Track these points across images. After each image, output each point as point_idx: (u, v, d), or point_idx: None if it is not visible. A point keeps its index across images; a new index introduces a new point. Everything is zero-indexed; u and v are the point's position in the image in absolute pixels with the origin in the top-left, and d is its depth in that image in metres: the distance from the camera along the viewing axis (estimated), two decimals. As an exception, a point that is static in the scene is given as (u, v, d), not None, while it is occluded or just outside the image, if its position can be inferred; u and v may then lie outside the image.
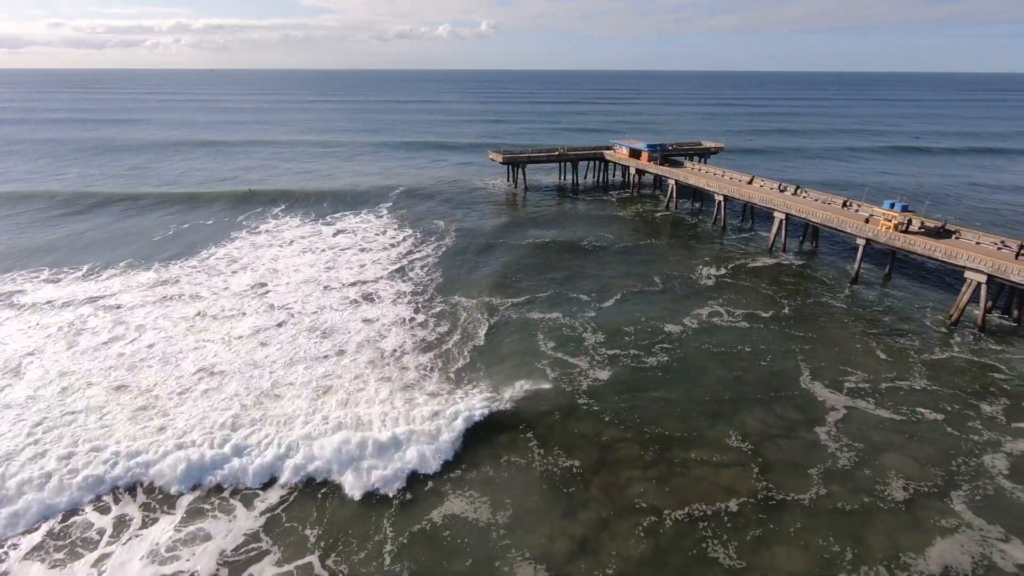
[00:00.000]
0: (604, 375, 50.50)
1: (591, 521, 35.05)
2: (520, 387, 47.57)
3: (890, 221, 73.58)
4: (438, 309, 63.79)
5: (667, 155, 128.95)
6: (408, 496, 36.83)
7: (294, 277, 72.65)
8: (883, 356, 54.07)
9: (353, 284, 70.70)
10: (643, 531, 34.36)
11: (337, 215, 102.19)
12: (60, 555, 32.81)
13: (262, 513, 35.45)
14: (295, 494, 37.06)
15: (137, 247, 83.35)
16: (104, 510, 35.90)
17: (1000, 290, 64.61)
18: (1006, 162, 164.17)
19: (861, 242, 74.43)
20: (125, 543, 33.40)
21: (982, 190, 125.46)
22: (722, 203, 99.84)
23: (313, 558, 32.36)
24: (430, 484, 37.76)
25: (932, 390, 48.84)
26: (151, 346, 55.01)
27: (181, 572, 31.65)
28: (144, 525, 34.68)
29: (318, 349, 54.47)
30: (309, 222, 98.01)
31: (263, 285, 70.18)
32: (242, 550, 32.92)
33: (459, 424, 42.24)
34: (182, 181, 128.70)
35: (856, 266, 75.48)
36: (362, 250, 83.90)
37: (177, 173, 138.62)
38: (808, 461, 40.13)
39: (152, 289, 68.18)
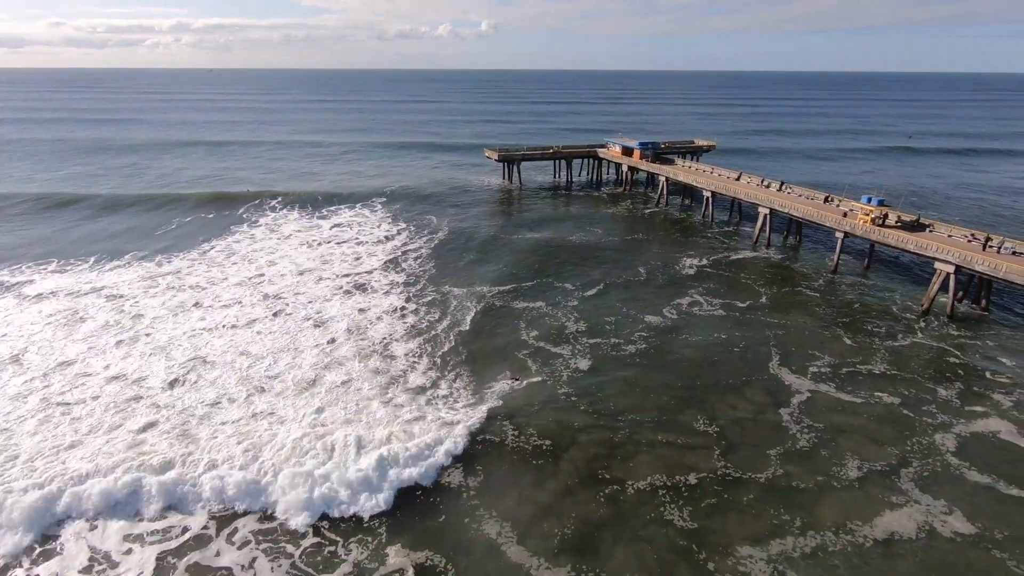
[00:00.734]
0: (584, 364, 52.71)
1: (556, 489, 37.43)
2: (500, 379, 49.75)
3: (867, 215, 76.18)
4: (429, 298, 66.38)
5: (659, 153, 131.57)
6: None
7: (290, 269, 75.18)
8: (850, 343, 56.56)
9: (347, 275, 73.22)
10: (604, 498, 36.77)
11: (334, 211, 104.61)
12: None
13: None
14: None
15: (141, 241, 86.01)
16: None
17: (970, 280, 67.06)
18: (994, 162, 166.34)
19: (840, 235, 77.05)
20: None
21: (971, 190, 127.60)
22: (710, 199, 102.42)
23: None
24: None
25: (892, 375, 51.23)
26: (148, 335, 57.33)
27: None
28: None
29: (310, 338, 56.84)
30: (306, 217, 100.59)
31: (260, 276, 72.72)
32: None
33: (440, 456, 39.73)
34: (182, 181, 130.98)
35: (835, 258, 78.05)
36: (358, 243, 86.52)
37: (178, 173, 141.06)
38: (769, 442, 42.29)
39: (154, 280, 70.66)
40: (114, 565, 32.27)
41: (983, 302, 65.85)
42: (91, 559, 32.64)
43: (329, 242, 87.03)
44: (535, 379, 50.14)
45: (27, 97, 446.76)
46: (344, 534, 34.16)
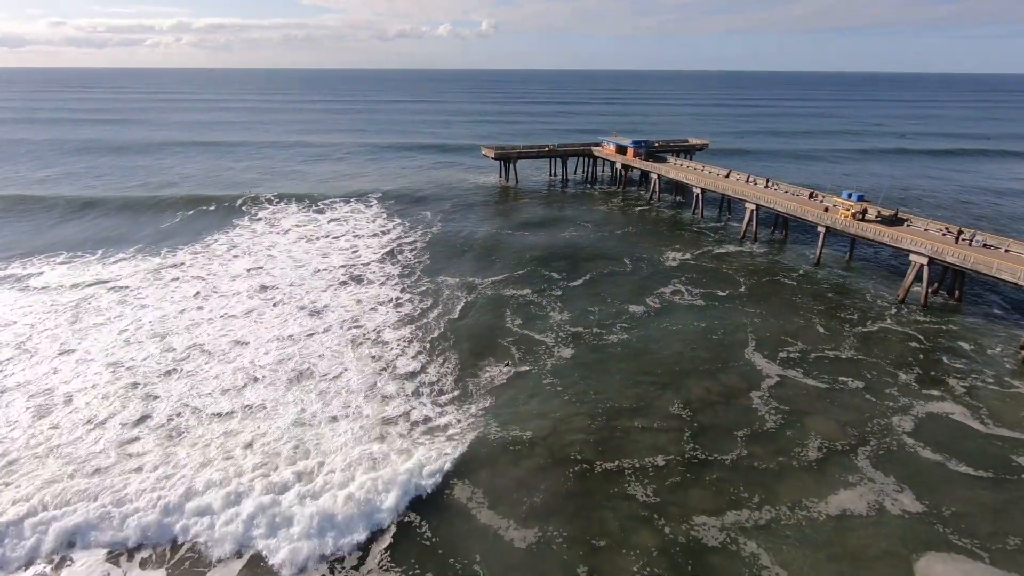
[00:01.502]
0: (567, 352, 54.94)
1: (530, 467, 39.58)
2: (486, 366, 52.08)
3: (848, 210, 78.64)
4: (423, 288, 68.96)
5: (652, 151, 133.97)
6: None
7: (288, 262, 77.68)
8: (823, 330, 59.00)
9: (344, 267, 75.76)
10: (573, 475, 38.94)
11: (332, 208, 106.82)
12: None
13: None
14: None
15: (145, 234, 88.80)
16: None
17: (945, 272, 69.49)
18: (981, 162, 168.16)
19: (821, 229, 79.56)
20: None
21: (959, 189, 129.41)
22: (699, 195, 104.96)
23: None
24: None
25: (858, 360, 53.62)
26: (150, 323, 59.79)
27: None
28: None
29: (305, 326, 59.32)
30: (304, 212, 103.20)
31: (259, 268, 75.23)
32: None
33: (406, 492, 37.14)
34: (184, 180, 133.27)
35: (818, 251, 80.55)
36: (355, 237, 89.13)
37: (180, 172, 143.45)
38: (737, 425, 44.38)
39: (158, 272, 73.23)
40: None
41: (957, 293, 68.29)
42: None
43: (327, 236, 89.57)
44: (520, 368, 52.37)
45: (32, 97, 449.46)
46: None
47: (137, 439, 41.95)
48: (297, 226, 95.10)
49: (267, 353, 54.08)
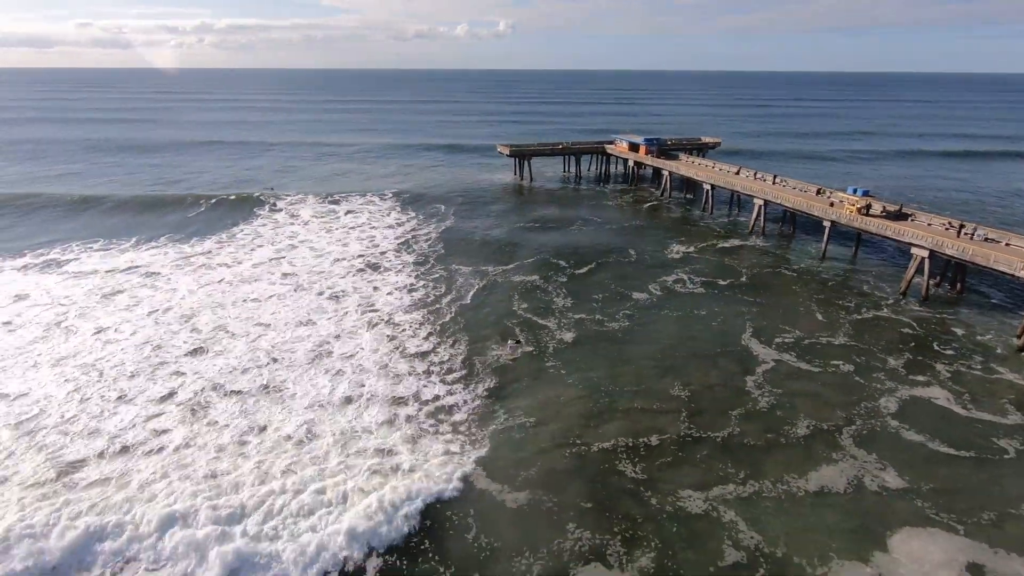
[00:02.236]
0: (569, 336, 57.46)
1: (532, 449, 41.40)
2: (494, 348, 54.75)
3: (853, 205, 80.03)
4: (436, 276, 72.28)
5: (664, 149, 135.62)
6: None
7: (308, 251, 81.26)
8: (821, 318, 60.86)
9: (361, 256, 79.11)
10: (569, 454, 40.94)
11: (349, 203, 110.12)
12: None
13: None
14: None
15: (174, 226, 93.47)
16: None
17: (947, 265, 70.68)
18: (1000, 163, 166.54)
19: (827, 224, 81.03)
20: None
21: (972, 191, 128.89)
22: (709, 192, 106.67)
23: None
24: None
25: (851, 346, 55.48)
26: (179, 305, 63.59)
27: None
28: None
29: (325, 310, 62.61)
30: (322, 205, 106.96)
31: (281, 257, 78.87)
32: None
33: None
34: (210, 178, 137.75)
35: (823, 245, 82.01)
36: (372, 228, 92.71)
37: (204, 170, 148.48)
38: (731, 405, 46.39)
39: (188, 259, 77.31)
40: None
41: (958, 286, 69.50)
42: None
43: (343, 228, 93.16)
44: (526, 349, 55.07)
45: (63, 97, 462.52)
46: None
47: (161, 414, 44.54)
48: (315, 217, 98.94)
49: (287, 334, 57.42)
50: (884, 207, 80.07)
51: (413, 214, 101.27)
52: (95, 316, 60.67)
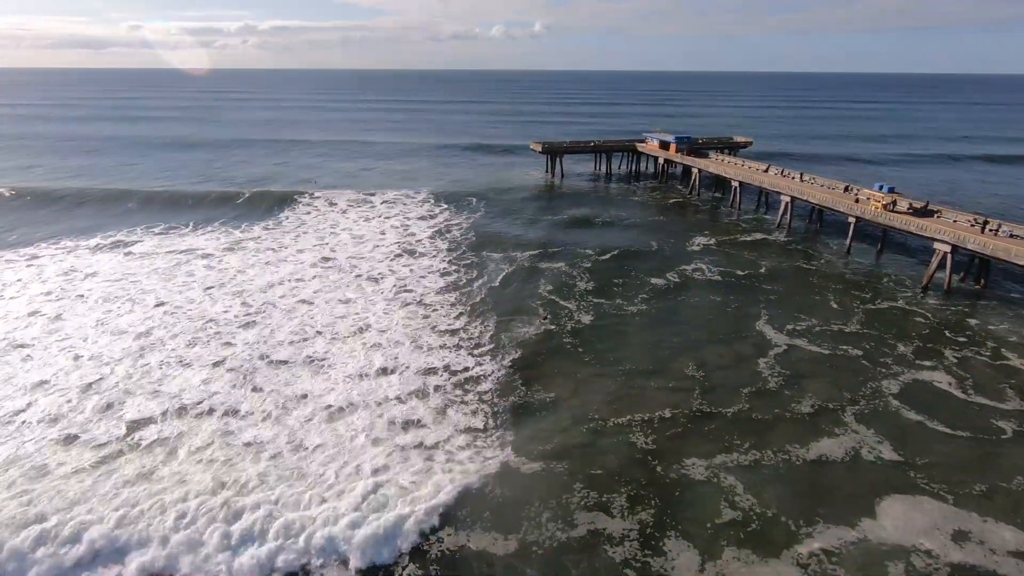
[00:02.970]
0: (589, 318, 60.76)
1: (550, 425, 44.03)
2: (519, 326, 58.31)
3: (879, 202, 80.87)
4: (468, 261, 76.93)
5: (694, 147, 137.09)
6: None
7: (348, 238, 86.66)
8: (835, 307, 62.67)
9: (397, 243, 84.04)
10: (586, 430, 43.65)
11: (385, 196, 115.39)
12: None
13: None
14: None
15: (225, 214, 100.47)
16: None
17: (971, 261, 71.22)
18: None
19: (852, 220, 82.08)
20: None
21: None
22: (737, 188, 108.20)
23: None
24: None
25: (863, 333, 57.30)
26: (232, 280, 69.53)
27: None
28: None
29: (363, 290, 67.49)
30: (359, 196, 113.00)
31: (323, 243, 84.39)
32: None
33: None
34: (257, 173, 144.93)
35: (848, 241, 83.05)
36: (406, 219, 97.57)
37: (245, 167, 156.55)
38: (742, 384, 48.86)
39: (239, 243, 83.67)
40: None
41: (982, 281, 70.01)
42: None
43: (381, 217, 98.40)
44: (549, 327, 58.61)
45: (116, 95, 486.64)
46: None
47: (213, 379, 49.32)
48: (353, 207, 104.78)
49: (328, 311, 62.36)
50: (910, 204, 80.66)
51: (446, 207, 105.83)
52: (158, 291, 66.90)
